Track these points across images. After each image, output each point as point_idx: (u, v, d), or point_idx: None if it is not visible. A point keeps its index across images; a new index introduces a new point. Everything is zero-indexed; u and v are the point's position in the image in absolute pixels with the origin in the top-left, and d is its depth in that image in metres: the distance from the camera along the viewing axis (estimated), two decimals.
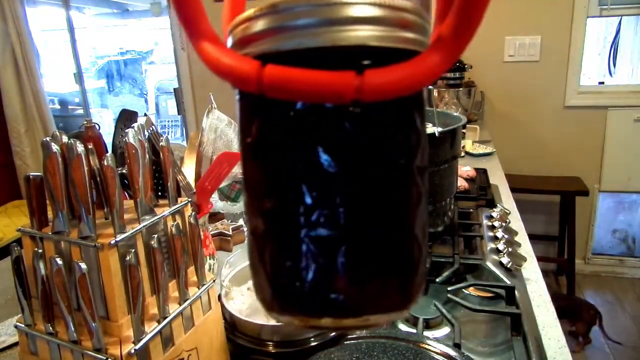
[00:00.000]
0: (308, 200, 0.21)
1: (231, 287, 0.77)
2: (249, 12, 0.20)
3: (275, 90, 0.19)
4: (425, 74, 0.19)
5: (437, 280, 0.87)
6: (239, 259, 0.84)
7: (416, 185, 0.22)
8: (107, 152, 0.56)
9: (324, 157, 0.20)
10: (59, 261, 0.46)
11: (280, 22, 0.19)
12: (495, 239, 1.04)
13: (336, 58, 0.19)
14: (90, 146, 0.50)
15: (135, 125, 0.54)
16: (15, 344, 0.76)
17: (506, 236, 1.02)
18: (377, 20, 0.19)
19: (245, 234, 0.21)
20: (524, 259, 0.94)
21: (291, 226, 0.21)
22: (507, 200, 1.34)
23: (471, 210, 1.27)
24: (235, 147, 1.07)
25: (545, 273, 1.90)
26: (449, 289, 0.82)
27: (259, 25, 0.20)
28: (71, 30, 3.45)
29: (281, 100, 0.19)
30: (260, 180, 0.22)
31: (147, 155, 0.53)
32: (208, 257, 0.91)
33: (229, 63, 0.20)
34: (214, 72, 0.21)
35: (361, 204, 0.21)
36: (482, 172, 1.56)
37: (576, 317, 2.04)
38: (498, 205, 1.22)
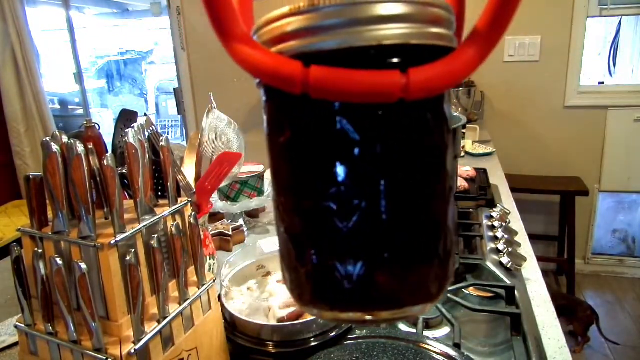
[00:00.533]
0: (350, 197, 0.20)
1: (231, 287, 0.77)
2: (283, 10, 0.20)
3: (322, 92, 0.19)
4: (463, 70, 0.20)
5: None
6: (239, 259, 0.84)
7: (451, 178, 0.23)
8: (107, 152, 0.56)
9: (366, 155, 0.20)
10: (59, 261, 0.46)
11: (321, 20, 0.19)
12: (495, 239, 1.04)
13: (377, 57, 0.19)
14: (90, 146, 0.50)
15: (135, 125, 0.54)
16: (15, 344, 0.76)
17: (506, 236, 1.02)
18: (416, 18, 0.19)
19: (277, 231, 0.20)
20: (524, 259, 0.94)
21: (334, 224, 0.21)
22: (507, 200, 1.34)
23: (471, 210, 1.27)
24: (235, 147, 1.07)
25: (545, 273, 1.90)
26: (449, 289, 0.82)
27: (297, 23, 0.19)
28: (71, 30, 3.45)
29: (319, 99, 0.19)
30: (297, 179, 0.22)
31: (147, 155, 0.53)
32: (208, 257, 0.91)
33: (270, 64, 0.19)
34: (251, 73, 0.20)
35: (403, 198, 0.21)
36: (482, 172, 1.56)
37: (573, 316, 2.05)
38: (498, 205, 1.22)
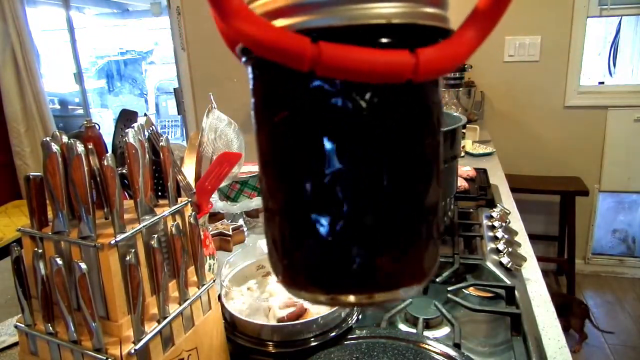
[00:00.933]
0: (351, 177, 0.20)
1: (231, 287, 0.77)
2: None
3: (331, 69, 0.18)
4: (465, 51, 0.19)
5: (437, 280, 0.87)
6: (239, 259, 0.84)
7: (441, 159, 0.23)
8: (107, 152, 0.56)
9: (367, 134, 0.20)
10: (59, 261, 0.46)
11: None
12: (495, 239, 1.04)
13: (383, 36, 0.19)
14: (90, 146, 0.50)
15: (135, 125, 0.54)
16: (15, 344, 0.76)
17: (506, 236, 1.02)
18: None
19: (265, 216, 0.20)
20: (524, 259, 0.94)
21: (334, 205, 0.20)
22: (507, 200, 1.34)
23: (471, 210, 1.27)
24: (235, 147, 1.07)
25: (545, 273, 1.90)
26: (449, 289, 0.82)
27: None
28: (71, 30, 3.45)
29: (322, 77, 0.18)
30: (292, 161, 0.21)
31: (147, 155, 0.53)
32: (208, 257, 0.91)
33: (275, 39, 0.18)
34: (252, 49, 0.19)
35: (406, 179, 0.21)
36: (482, 172, 1.56)
37: (570, 312, 2.06)
38: (498, 205, 1.22)
